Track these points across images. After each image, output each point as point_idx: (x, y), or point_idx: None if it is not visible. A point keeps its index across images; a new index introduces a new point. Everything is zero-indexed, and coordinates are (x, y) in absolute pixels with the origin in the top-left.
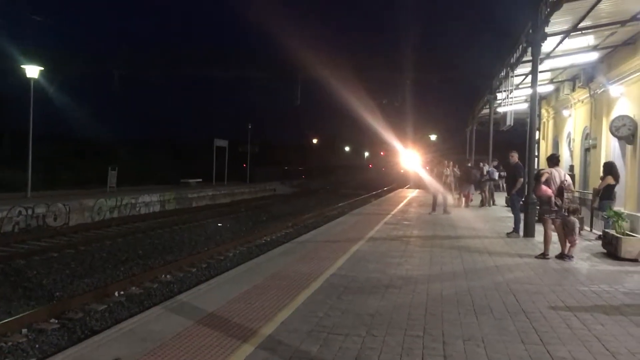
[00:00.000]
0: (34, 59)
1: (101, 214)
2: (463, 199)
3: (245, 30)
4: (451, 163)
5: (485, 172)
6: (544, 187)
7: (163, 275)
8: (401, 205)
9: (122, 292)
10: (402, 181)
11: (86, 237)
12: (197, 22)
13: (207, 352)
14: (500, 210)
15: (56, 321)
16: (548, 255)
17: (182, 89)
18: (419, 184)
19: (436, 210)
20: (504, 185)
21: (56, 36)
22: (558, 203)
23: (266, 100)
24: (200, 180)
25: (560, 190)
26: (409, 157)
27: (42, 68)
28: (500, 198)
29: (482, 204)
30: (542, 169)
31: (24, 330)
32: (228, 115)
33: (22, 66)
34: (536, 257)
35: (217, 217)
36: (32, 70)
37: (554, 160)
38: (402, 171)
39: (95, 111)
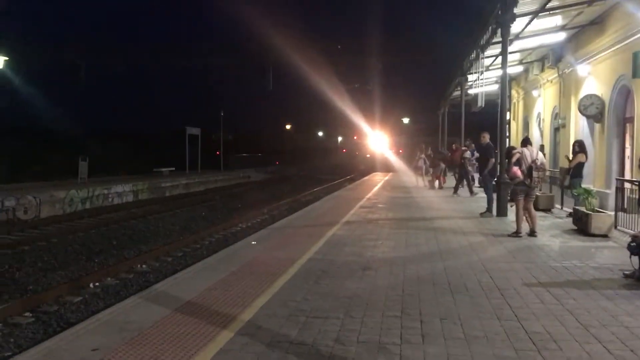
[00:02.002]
0: None
1: (73, 205)
2: (436, 182)
3: (215, 16)
4: (423, 146)
5: None
6: (514, 167)
7: (139, 265)
8: (376, 188)
9: (97, 284)
10: (373, 166)
11: (58, 230)
12: (165, 10)
13: (186, 340)
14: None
15: (31, 315)
16: (521, 233)
17: (152, 78)
18: (390, 168)
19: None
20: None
21: (19, 25)
22: (527, 182)
23: (238, 88)
24: (173, 169)
25: (530, 170)
26: (382, 141)
27: (7, 58)
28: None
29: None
30: (513, 147)
31: None
32: (200, 104)
33: None
34: (509, 235)
35: (192, 206)
36: None
37: (525, 142)
38: (368, 156)
39: (61, 102)
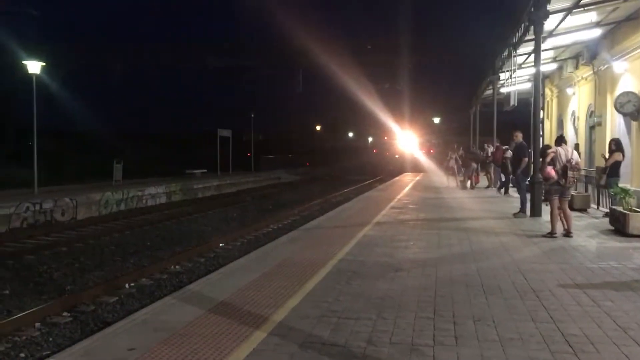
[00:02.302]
0: (35, 54)
1: (108, 207)
2: (468, 182)
3: (245, 17)
4: (455, 146)
5: (489, 154)
6: (548, 167)
7: (172, 266)
8: (406, 189)
9: (132, 284)
10: (403, 166)
11: (95, 231)
12: (195, 12)
13: (219, 340)
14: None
15: (69, 314)
16: (555, 233)
17: (182, 80)
18: (420, 168)
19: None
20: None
21: (55, 30)
22: (561, 182)
23: (268, 89)
24: (205, 170)
25: (565, 169)
26: (412, 141)
27: (44, 64)
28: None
29: (488, 185)
30: (548, 146)
31: (37, 324)
32: (230, 106)
33: (24, 62)
34: (543, 236)
35: (224, 207)
36: (34, 66)
37: (560, 140)
38: (397, 156)
39: (94, 105)
